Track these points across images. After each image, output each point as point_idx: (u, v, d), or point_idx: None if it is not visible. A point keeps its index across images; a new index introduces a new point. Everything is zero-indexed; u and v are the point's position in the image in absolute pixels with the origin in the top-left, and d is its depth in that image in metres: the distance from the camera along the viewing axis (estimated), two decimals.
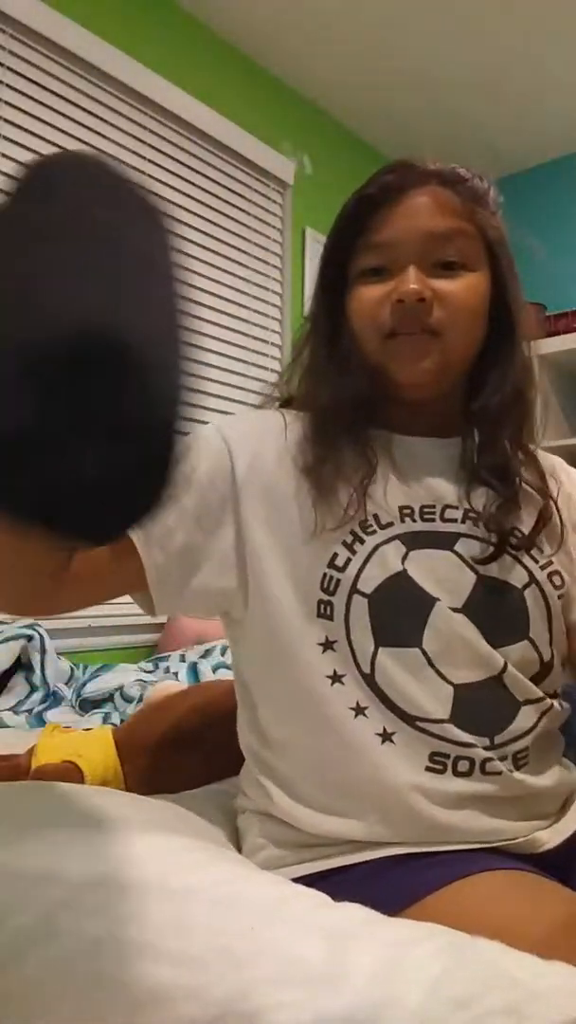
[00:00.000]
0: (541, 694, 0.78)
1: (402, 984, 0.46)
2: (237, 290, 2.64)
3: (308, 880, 0.72)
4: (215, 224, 2.58)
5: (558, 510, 0.82)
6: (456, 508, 0.79)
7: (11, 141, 2.01)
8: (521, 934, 0.59)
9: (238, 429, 0.82)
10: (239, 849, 0.82)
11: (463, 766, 0.73)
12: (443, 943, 0.51)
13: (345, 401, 0.79)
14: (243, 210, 2.68)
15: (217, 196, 2.59)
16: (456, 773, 0.73)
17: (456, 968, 0.48)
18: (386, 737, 0.73)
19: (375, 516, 0.77)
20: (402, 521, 0.78)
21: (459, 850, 0.72)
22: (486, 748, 0.74)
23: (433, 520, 0.79)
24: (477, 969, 0.48)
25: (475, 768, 0.73)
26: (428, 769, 0.73)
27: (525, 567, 0.79)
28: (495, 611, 0.76)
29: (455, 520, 0.79)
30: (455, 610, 0.76)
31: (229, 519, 0.77)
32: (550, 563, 0.80)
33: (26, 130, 2.04)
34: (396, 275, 0.77)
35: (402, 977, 0.47)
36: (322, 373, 0.82)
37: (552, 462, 0.91)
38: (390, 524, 0.77)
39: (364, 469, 0.78)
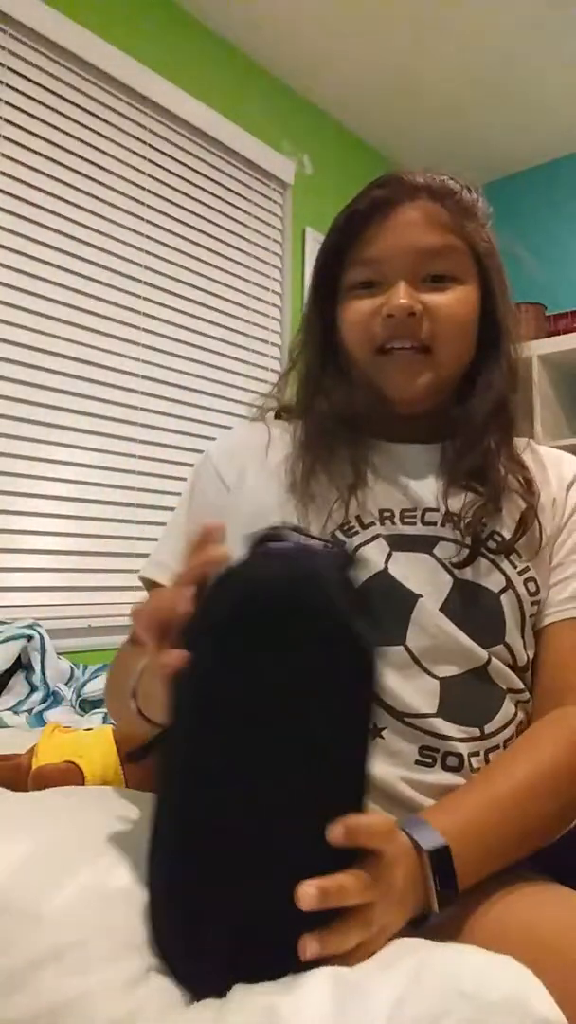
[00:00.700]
0: (522, 686, 0.79)
1: (360, 1018, 0.46)
2: (237, 290, 2.64)
3: None
4: (215, 224, 2.58)
5: (538, 517, 0.82)
6: (436, 511, 0.80)
7: (11, 141, 2.01)
8: (517, 934, 0.59)
9: (224, 451, 0.87)
10: None
11: (452, 761, 0.73)
12: (397, 967, 0.51)
13: (340, 414, 0.81)
14: (243, 210, 2.68)
15: (217, 196, 2.59)
16: (445, 768, 0.73)
17: (412, 991, 0.48)
18: (375, 733, 0.73)
19: (357, 517, 0.78)
20: (382, 524, 0.79)
21: None
22: (476, 739, 0.74)
23: (414, 523, 0.79)
24: (433, 989, 0.48)
25: (464, 764, 0.74)
26: (418, 763, 0.73)
27: (503, 572, 0.79)
28: (472, 614, 0.76)
29: (435, 523, 0.79)
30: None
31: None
32: (527, 569, 0.80)
33: (26, 130, 2.04)
34: (387, 289, 0.79)
35: (359, 1011, 0.47)
36: (317, 386, 0.84)
37: (555, 456, 0.90)
38: (371, 524, 0.78)
39: (353, 477, 0.79)
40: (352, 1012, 0.47)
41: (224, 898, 0.52)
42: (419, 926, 0.60)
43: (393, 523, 0.79)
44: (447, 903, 0.61)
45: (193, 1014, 0.50)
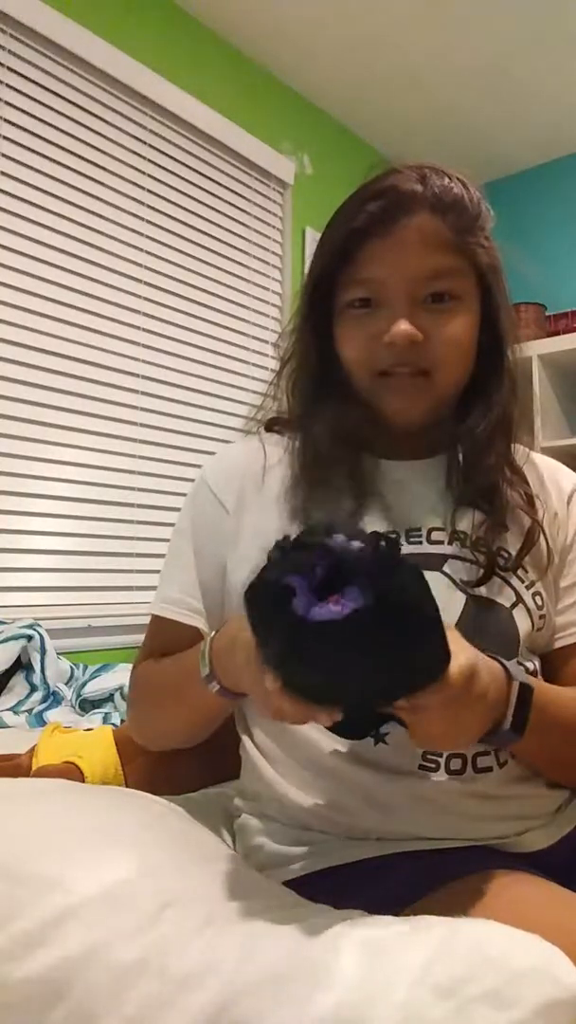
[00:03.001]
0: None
1: (387, 978, 0.47)
2: (237, 290, 2.64)
3: (306, 880, 0.73)
4: (215, 224, 2.58)
5: (543, 532, 0.81)
6: (442, 530, 0.79)
7: (11, 141, 2.01)
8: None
9: (219, 473, 0.85)
10: (236, 849, 0.82)
11: (455, 764, 0.74)
12: (427, 933, 0.51)
13: (338, 433, 0.79)
14: (243, 210, 2.68)
15: (217, 196, 2.59)
16: (449, 772, 0.73)
17: (439, 956, 0.48)
18: (379, 739, 0.74)
19: None
20: None
21: (455, 848, 0.73)
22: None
23: (420, 543, 0.78)
24: (460, 955, 0.48)
25: (467, 766, 0.74)
26: (421, 767, 0.73)
27: (512, 587, 0.79)
28: (485, 630, 0.76)
29: (441, 542, 0.78)
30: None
31: (221, 559, 0.81)
32: (534, 583, 0.80)
33: (26, 130, 2.04)
34: (385, 308, 0.76)
35: (387, 971, 0.47)
36: (312, 407, 0.82)
37: (553, 468, 0.90)
38: None
39: (354, 504, 0.78)
40: (380, 974, 0.47)
41: None
42: (487, 740, 0.67)
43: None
44: (516, 729, 0.66)
45: (220, 953, 0.50)
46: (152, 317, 2.34)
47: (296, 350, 0.85)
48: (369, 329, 0.77)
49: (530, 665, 0.79)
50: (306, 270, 0.85)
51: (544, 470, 0.89)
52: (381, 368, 0.77)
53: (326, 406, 0.80)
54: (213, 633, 0.72)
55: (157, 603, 0.85)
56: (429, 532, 0.79)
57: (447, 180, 0.77)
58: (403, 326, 0.74)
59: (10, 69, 2.02)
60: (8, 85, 2.01)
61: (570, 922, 0.60)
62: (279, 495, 0.81)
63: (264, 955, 0.49)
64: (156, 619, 0.85)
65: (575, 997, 0.46)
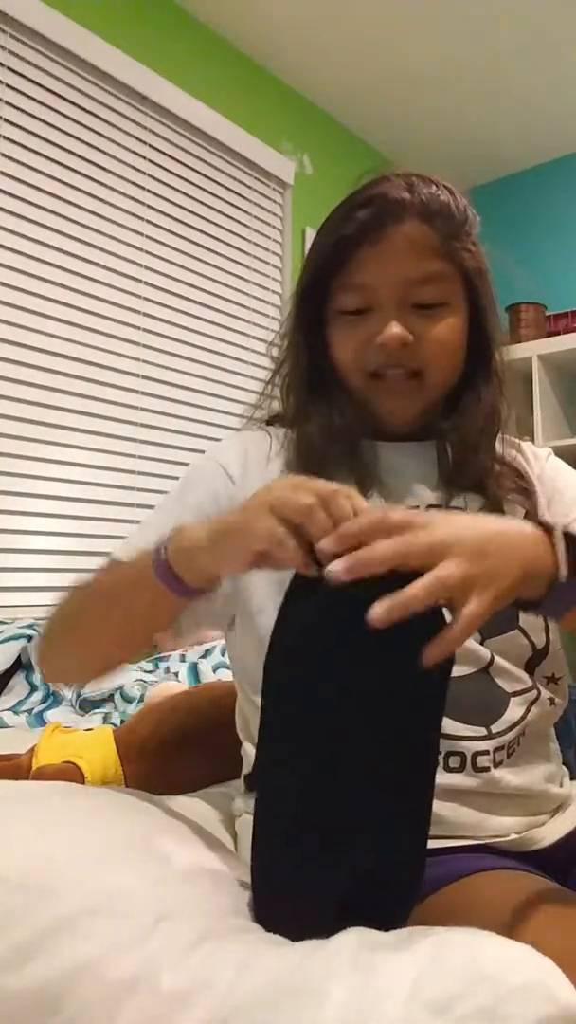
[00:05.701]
0: (529, 683, 0.79)
1: (381, 995, 0.46)
2: (237, 290, 2.64)
3: None
4: (215, 224, 2.58)
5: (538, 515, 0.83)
6: (440, 508, 0.81)
7: (11, 141, 2.01)
8: (515, 935, 0.59)
9: (226, 449, 0.86)
10: (237, 850, 0.82)
11: (454, 762, 0.74)
12: (419, 947, 0.51)
13: (332, 431, 0.81)
14: (243, 210, 2.68)
15: (217, 196, 2.59)
16: (448, 769, 0.74)
17: (432, 972, 0.47)
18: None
19: None
20: None
21: (456, 847, 0.73)
22: (483, 738, 0.75)
23: None
24: (453, 970, 0.48)
25: (467, 764, 0.74)
26: None
27: None
28: None
29: None
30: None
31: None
32: None
33: (26, 130, 2.04)
34: (376, 313, 0.79)
35: (380, 988, 0.47)
36: (306, 403, 0.84)
37: (534, 449, 0.92)
38: None
39: (355, 484, 0.79)
40: (373, 990, 0.47)
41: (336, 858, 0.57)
42: (539, 604, 0.60)
43: None
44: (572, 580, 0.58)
45: (215, 970, 0.50)
46: (152, 317, 2.34)
47: (289, 354, 0.87)
48: (361, 333, 0.79)
49: (541, 637, 0.80)
50: None
51: (530, 455, 0.91)
52: (373, 370, 0.80)
53: (320, 407, 0.83)
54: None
55: (123, 547, 0.79)
56: (427, 509, 0.80)
57: (434, 188, 0.79)
58: (395, 329, 0.77)
59: (10, 69, 2.02)
60: (8, 85, 2.01)
61: (569, 923, 0.60)
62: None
63: (258, 973, 0.49)
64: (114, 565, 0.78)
65: (570, 1014, 0.46)
